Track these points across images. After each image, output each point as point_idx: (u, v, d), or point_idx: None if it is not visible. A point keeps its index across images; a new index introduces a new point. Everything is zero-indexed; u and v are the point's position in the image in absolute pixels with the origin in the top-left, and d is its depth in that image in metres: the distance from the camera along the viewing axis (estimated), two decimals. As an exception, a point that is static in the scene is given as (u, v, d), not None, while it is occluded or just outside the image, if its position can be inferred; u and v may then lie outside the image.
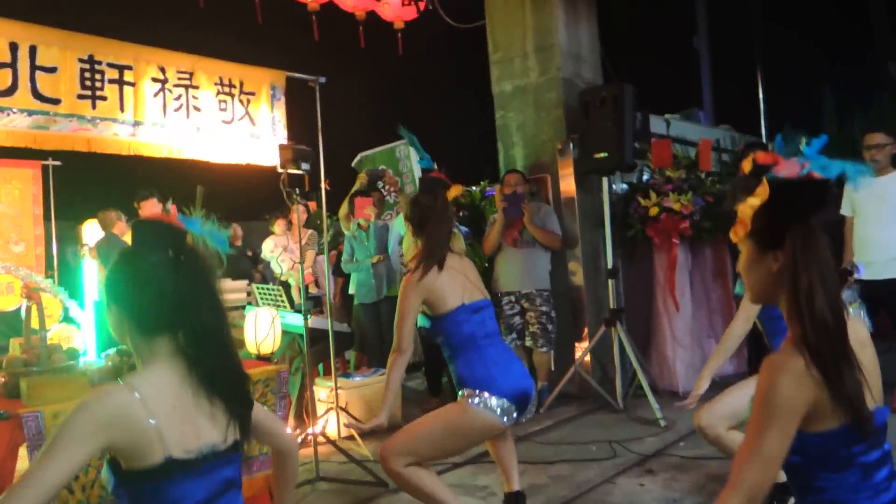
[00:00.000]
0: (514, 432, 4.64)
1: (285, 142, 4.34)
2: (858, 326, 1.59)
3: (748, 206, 1.58)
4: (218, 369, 1.53)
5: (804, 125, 8.75)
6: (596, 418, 4.97)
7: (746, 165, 2.95)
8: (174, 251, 1.53)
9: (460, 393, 2.79)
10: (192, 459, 1.46)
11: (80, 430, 1.39)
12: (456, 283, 2.87)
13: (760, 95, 9.88)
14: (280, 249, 6.33)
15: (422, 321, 2.92)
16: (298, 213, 4.47)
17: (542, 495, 3.58)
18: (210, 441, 1.50)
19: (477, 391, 2.73)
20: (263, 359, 4.30)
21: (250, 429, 1.62)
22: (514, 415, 2.79)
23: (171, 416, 1.44)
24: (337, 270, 6.44)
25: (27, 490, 1.34)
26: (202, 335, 1.51)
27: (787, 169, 1.56)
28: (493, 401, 2.72)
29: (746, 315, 2.96)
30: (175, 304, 1.49)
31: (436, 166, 6.57)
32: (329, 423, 4.71)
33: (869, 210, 4.63)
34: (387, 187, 6.07)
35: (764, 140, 8.79)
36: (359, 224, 5.63)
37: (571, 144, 5.53)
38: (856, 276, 4.40)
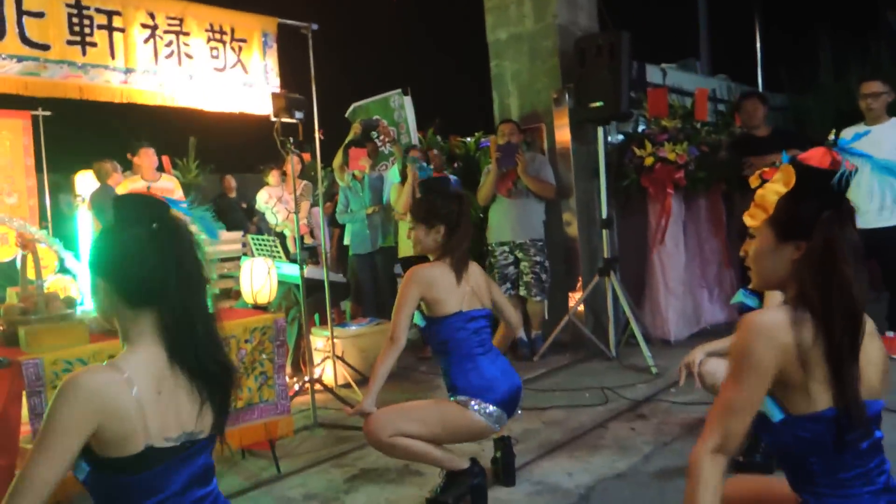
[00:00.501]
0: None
1: (278, 90, 4.30)
2: (867, 317, 1.56)
3: (771, 192, 1.53)
4: (199, 347, 1.49)
5: (801, 75, 8.70)
6: (589, 366, 5.04)
7: (754, 182, 2.88)
8: (158, 224, 1.50)
9: (454, 398, 2.84)
10: (172, 448, 1.43)
11: (69, 419, 1.34)
12: (459, 291, 2.89)
13: (758, 45, 9.77)
14: (274, 200, 6.32)
15: (417, 318, 2.93)
16: (293, 163, 4.44)
17: (535, 440, 3.65)
18: (190, 428, 1.47)
19: (473, 400, 2.81)
20: (260, 308, 4.33)
21: (227, 417, 1.58)
22: (505, 420, 2.92)
23: (155, 402, 1.41)
24: (332, 221, 6.44)
25: (27, 491, 1.32)
26: (183, 310, 1.47)
27: (817, 157, 1.52)
28: (490, 408, 2.82)
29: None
30: (158, 277, 1.46)
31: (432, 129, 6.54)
32: (326, 372, 4.79)
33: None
34: (381, 137, 6.03)
35: (760, 90, 8.73)
36: (354, 175, 5.61)
37: (567, 93, 5.48)
38: None
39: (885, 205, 4.52)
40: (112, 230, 1.52)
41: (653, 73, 6.74)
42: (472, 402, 2.81)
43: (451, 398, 2.86)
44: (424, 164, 5.22)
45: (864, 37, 8.86)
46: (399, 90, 6.31)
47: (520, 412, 3.23)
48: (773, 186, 1.54)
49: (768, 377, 1.46)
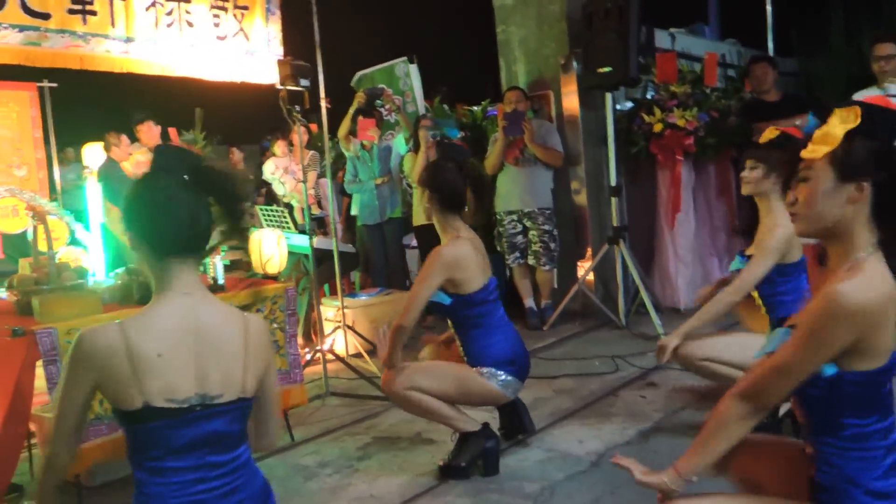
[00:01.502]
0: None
1: (282, 58, 4.25)
2: None
3: (839, 128, 1.48)
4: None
5: (812, 39, 8.56)
6: (598, 335, 5.05)
7: (769, 134, 2.84)
8: (189, 174, 1.55)
9: (482, 369, 2.90)
10: (173, 409, 1.47)
11: (73, 367, 1.49)
12: (481, 263, 2.92)
13: (768, 9, 9.59)
14: (281, 171, 6.29)
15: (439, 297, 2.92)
16: (300, 133, 4.42)
17: (546, 407, 3.68)
18: (205, 391, 1.50)
19: (494, 370, 2.89)
20: (270, 278, 4.34)
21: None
22: (520, 388, 3.02)
23: (155, 363, 1.46)
24: (341, 191, 6.43)
25: (59, 428, 1.51)
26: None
27: (877, 102, 1.52)
28: (508, 378, 2.91)
29: (739, 288, 2.97)
30: (188, 226, 1.51)
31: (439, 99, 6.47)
32: (337, 342, 4.81)
33: None
34: (386, 106, 5.97)
35: (770, 54, 8.60)
36: (362, 145, 5.57)
37: (574, 59, 5.42)
38: None
39: None
40: (145, 181, 1.57)
41: (662, 38, 6.63)
42: (498, 373, 2.89)
43: (474, 368, 2.91)
44: (437, 133, 5.20)
45: (877, -2, 8.69)
46: (405, 58, 6.22)
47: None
48: (840, 125, 1.49)
49: (836, 351, 1.46)
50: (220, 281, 3.34)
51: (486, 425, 2.95)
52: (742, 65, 6.96)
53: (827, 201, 1.50)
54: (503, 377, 2.92)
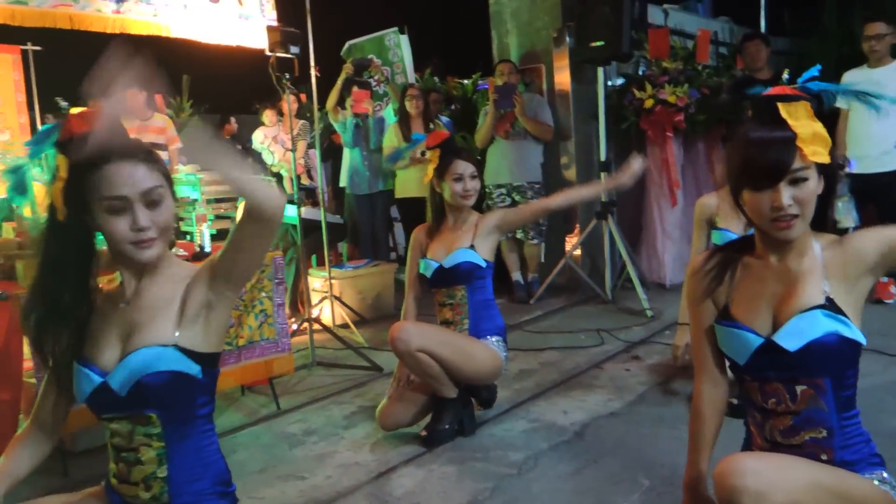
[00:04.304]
0: (506, 321, 4.75)
1: (274, 24, 4.20)
2: None
3: (818, 125, 1.50)
4: None
5: (804, 18, 8.54)
6: (585, 309, 5.08)
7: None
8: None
9: (489, 338, 3.02)
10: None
11: None
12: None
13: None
14: (270, 140, 6.24)
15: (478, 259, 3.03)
16: (289, 101, 4.37)
17: (532, 379, 3.71)
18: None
19: (501, 339, 3.05)
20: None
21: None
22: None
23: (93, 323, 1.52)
24: (327, 157, 6.39)
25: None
26: None
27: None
28: (505, 347, 3.07)
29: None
30: None
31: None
32: (324, 312, 4.82)
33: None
34: (375, 77, 5.92)
35: (763, 31, 8.57)
36: (357, 116, 5.52)
37: (567, 33, 5.38)
38: (847, 169, 4.43)
39: (886, 149, 4.50)
40: None
41: (655, 14, 6.59)
42: (503, 344, 3.04)
43: (487, 338, 3.01)
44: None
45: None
46: (395, 28, 6.16)
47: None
48: (810, 119, 1.50)
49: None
50: (207, 249, 3.32)
51: (462, 392, 2.99)
52: (734, 42, 6.94)
53: (814, 200, 1.52)
54: (503, 348, 3.04)
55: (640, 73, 5.59)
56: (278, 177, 5.93)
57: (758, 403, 1.59)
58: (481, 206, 5.33)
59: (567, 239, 5.60)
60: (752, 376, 1.59)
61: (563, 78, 5.51)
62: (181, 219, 4.63)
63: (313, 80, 4.44)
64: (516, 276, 5.38)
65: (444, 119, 5.74)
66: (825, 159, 1.49)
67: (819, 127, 1.51)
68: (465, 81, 6.74)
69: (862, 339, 1.52)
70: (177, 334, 1.46)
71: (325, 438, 3.11)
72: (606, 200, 5.16)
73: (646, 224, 5.59)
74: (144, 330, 1.46)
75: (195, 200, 4.42)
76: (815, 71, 1.61)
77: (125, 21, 3.65)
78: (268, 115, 6.33)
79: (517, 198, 5.27)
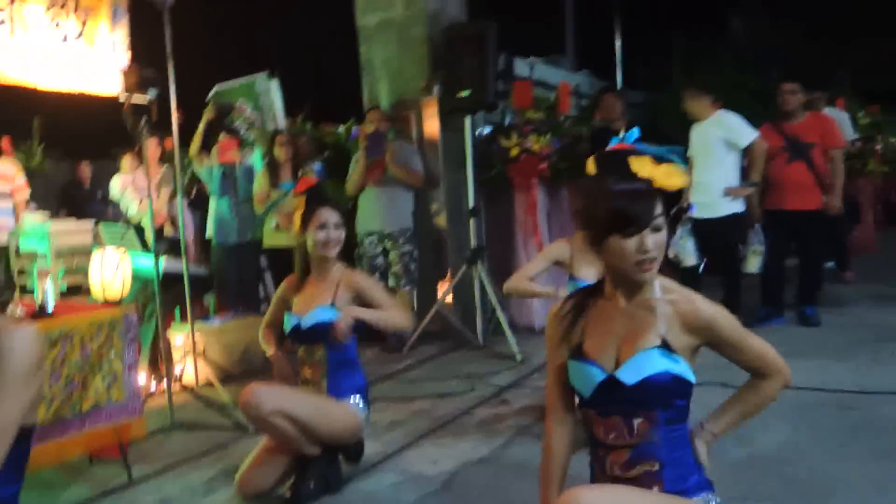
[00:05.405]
0: (379, 371, 4.71)
1: (128, 66, 4.00)
2: None
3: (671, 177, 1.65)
4: None
5: (657, 74, 9.20)
6: (457, 355, 5.10)
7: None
8: None
9: (349, 397, 2.98)
10: None
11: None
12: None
13: (617, 44, 10.24)
14: (130, 188, 5.93)
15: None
16: (146, 147, 4.17)
17: (402, 429, 3.66)
18: None
19: (361, 397, 3.02)
20: (111, 304, 4.06)
21: None
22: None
23: None
24: (194, 206, 6.16)
25: None
26: None
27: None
28: (366, 409, 3.03)
29: None
30: None
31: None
32: (188, 369, 4.56)
33: (698, 154, 5.19)
34: (237, 122, 5.78)
35: (620, 86, 9.15)
36: (224, 166, 5.34)
37: (436, 82, 5.50)
38: (690, 213, 4.81)
39: (716, 197, 5.02)
40: None
41: (521, 67, 6.91)
42: (360, 403, 2.95)
43: (344, 398, 2.93)
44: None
45: (713, 40, 9.48)
46: (266, 72, 6.07)
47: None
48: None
49: None
50: (50, 307, 3.07)
51: (326, 449, 2.90)
52: (594, 94, 7.36)
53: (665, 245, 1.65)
54: (363, 407, 2.97)
55: (508, 122, 5.79)
56: (139, 228, 5.62)
57: (600, 439, 1.71)
58: (352, 254, 5.32)
59: (439, 285, 5.64)
60: (596, 411, 1.71)
61: (432, 126, 5.61)
62: (21, 272, 4.30)
63: (174, 124, 4.27)
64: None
65: (316, 166, 5.68)
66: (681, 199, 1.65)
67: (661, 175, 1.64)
68: (340, 128, 6.72)
69: (692, 378, 1.68)
70: None
71: (181, 507, 2.92)
72: (475, 246, 5.26)
73: (515, 269, 5.70)
74: None
75: (40, 254, 4.12)
76: (636, 132, 1.76)
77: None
78: (127, 161, 6.02)
79: (388, 245, 5.26)
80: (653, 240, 1.60)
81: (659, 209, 1.61)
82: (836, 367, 4.14)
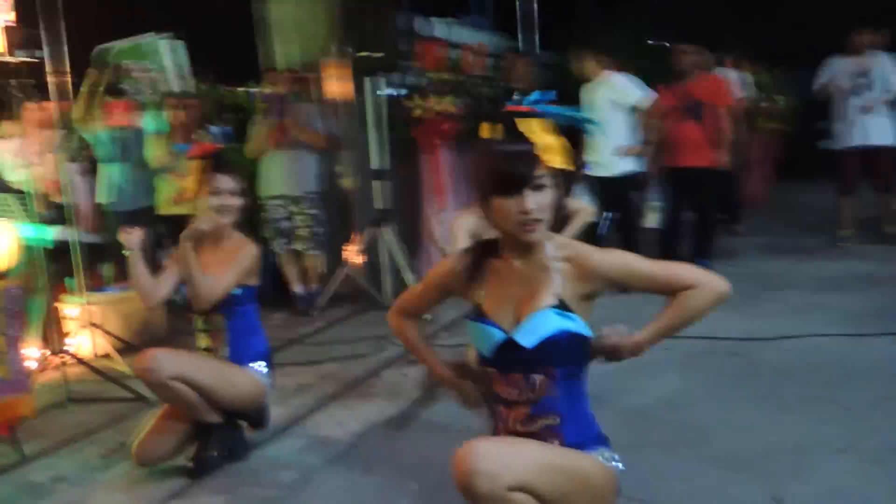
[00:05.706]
0: (287, 336, 4.67)
1: (12, 24, 3.74)
2: None
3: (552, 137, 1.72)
4: None
5: (568, 34, 9.28)
6: (366, 317, 5.09)
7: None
8: None
9: (252, 364, 2.93)
10: None
11: None
12: None
13: (535, 5, 10.25)
14: (10, 154, 5.56)
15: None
16: (30, 110, 3.92)
17: (310, 393, 3.65)
18: None
19: (264, 364, 2.98)
20: (-3, 276, 3.84)
21: None
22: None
23: None
24: (88, 171, 5.86)
25: None
26: None
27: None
28: (269, 372, 3.00)
29: None
30: None
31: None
32: (84, 341, 4.39)
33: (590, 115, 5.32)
34: (125, 83, 5.50)
35: (533, 47, 9.20)
36: (112, 130, 5.09)
37: (338, 42, 5.38)
38: (584, 171, 4.98)
39: (609, 157, 5.22)
40: None
41: (426, 27, 6.82)
42: (266, 369, 2.92)
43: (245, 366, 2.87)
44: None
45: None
46: (152, 32, 5.78)
47: None
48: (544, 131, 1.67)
49: None
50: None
51: (228, 416, 2.87)
52: (500, 54, 7.37)
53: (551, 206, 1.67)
54: (267, 373, 2.93)
55: (407, 83, 5.74)
56: (25, 194, 5.30)
57: (501, 396, 1.75)
58: (255, 218, 5.20)
59: (346, 248, 5.60)
60: (497, 368, 1.75)
61: (336, 86, 5.50)
62: None
63: (63, 87, 4.03)
64: (298, 288, 5.29)
65: (215, 129, 5.48)
66: (560, 165, 1.69)
67: (551, 139, 1.66)
68: (240, 89, 6.50)
69: (588, 333, 1.72)
70: None
71: (77, 484, 2.84)
72: (382, 208, 5.24)
73: (424, 230, 5.74)
74: None
75: None
76: (552, 95, 1.78)
77: None
78: (7, 127, 5.63)
79: (294, 209, 5.17)
80: (534, 200, 1.62)
81: (541, 169, 1.63)
82: (725, 315, 4.35)
